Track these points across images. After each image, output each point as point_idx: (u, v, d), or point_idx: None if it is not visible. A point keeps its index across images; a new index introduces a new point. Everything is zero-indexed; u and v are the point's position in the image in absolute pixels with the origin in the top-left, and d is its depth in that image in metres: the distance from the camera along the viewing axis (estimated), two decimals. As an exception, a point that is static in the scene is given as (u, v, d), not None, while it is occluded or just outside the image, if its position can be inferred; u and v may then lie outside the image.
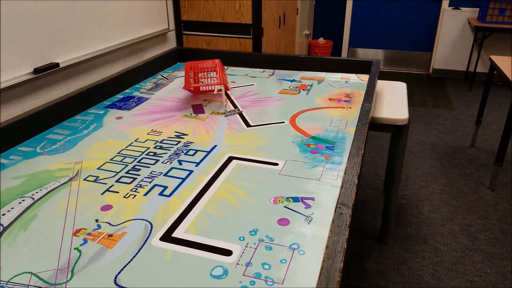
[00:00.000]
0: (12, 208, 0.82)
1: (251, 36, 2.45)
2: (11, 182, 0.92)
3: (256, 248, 0.70)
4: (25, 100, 1.43)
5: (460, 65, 4.49)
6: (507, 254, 1.61)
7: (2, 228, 0.76)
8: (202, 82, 1.45)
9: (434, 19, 4.54)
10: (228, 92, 1.52)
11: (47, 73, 1.50)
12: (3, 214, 0.80)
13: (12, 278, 0.65)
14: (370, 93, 1.24)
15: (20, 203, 0.84)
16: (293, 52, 3.66)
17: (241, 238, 0.72)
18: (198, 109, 1.36)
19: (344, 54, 5.08)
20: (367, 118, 1.05)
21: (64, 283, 0.63)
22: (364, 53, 4.98)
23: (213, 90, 1.37)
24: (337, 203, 0.72)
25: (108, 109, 1.36)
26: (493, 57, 2.31)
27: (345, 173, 0.80)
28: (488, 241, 1.70)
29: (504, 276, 1.50)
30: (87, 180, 0.92)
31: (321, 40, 4.86)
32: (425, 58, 4.79)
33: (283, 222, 0.77)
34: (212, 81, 1.41)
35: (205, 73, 1.45)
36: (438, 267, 1.55)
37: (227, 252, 0.69)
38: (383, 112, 1.43)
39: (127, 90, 1.56)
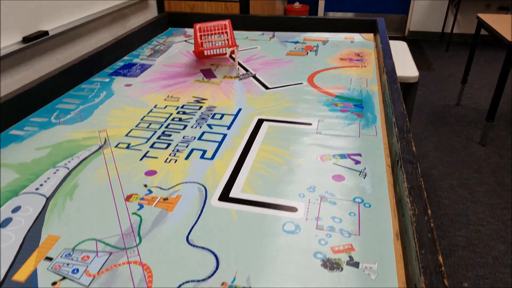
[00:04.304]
0: (48, 178, 0.77)
1: (237, -1, 2.38)
2: (36, 153, 0.86)
3: (320, 204, 0.69)
4: (15, 72, 1.32)
5: (435, 26, 4.57)
6: (505, 204, 1.70)
7: (45, 199, 0.71)
8: (206, 46, 1.39)
9: (411, -19, 4.55)
10: (233, 55, 1.47)
11: (36, 42, 1.39)
12: (41, 185, 0.75)
13: (77, 245, 0.61)
14: (387, 50, 1.24)
15: (54, 173, 0.79)
16: (275, 17, 3.58)
17: (301, 195, 0.71)
18: (208, 74, 1.31)
19: (321, 20, 5.03)
20: (395, 73, 1.05)
21: (134, 246, 0.61)
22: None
23: (224, 54, 1.32)
24: (398, 156, 0.72)
25: (113, 76, 1.29)
26: (481, 15, 2.35)
27: (396, 126, 0.80)
28: (486, 193, 1.78)
29: (505, 224, 1.58)
30: (119, 148, 0.88)
31: (296, 4, 4.79)
32: (400, 21, 4.83)
33: (338, 178, 0.76)
34: (221, 44, 1.36)
35: (206, 37, 1.39)
36: (443, 219, 1.62)
37: (292, 209, 0.68)
38: (392, 71, 1.43)
39: (125, 58, 1.47)
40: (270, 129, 0.95)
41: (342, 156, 0.83)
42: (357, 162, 0.80)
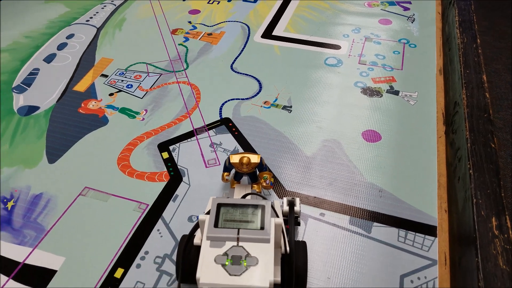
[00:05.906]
0: (97, 12, 0.79)
1: None
2: (81, -9, 0.87)
3: (364, 43, 0.69)
4: None
5: None
6: (551, 89, 1.63)
7: (96, 29, 0.74)
8: None
9: None
10: None
11: None
12: (90, 17, 0.77)
13: (129, 66, 0.65)
14: None
15: (102, 8, 0.80)
16: None
17: (345, 35, 0.71)
18: None
19: None
20: None
21: (182, 70, 0.64)
22: None
23: None
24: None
25: None
26: None
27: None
28: (532, 78, 1.70)
29: (547, 108, 1.54)
30: (162, -11, 0.87)
31: None
32: None
33: (385, 22, 0.74)
34: None
35: None
36: (482, 101, 1.58)
37: (335, 47, 0.68)
38: None
39: None
40: (315, -22, 0.90)
41: (391, 3, 0.79)
42: (406, 9, 0.77)
